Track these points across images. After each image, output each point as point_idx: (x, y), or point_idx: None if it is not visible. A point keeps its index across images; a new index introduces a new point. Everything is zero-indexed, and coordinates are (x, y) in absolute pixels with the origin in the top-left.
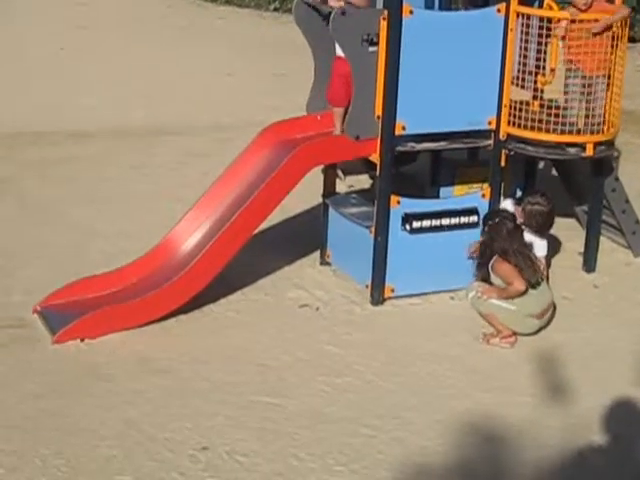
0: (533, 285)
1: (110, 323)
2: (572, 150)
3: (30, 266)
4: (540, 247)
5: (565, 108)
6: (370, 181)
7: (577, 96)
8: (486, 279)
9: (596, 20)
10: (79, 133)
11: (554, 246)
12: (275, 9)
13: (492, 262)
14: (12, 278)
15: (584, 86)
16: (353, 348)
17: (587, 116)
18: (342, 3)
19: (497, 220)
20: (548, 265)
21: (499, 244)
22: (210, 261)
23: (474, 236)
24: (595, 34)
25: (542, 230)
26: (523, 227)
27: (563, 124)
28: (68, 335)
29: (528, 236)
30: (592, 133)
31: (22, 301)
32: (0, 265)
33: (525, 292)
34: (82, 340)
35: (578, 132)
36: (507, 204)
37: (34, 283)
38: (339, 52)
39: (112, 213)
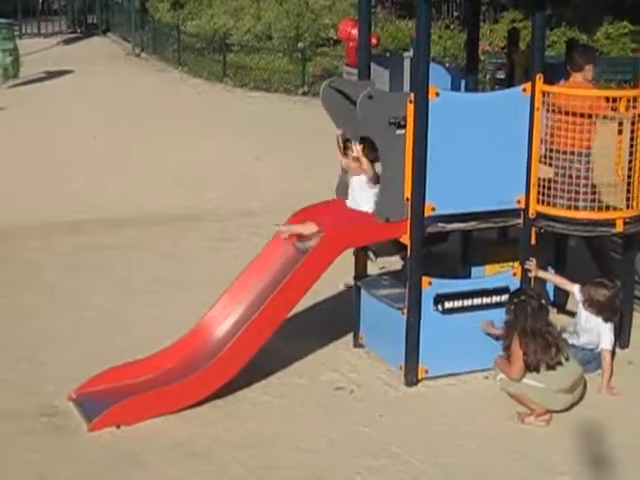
0: (560, 361)
1: (146, 409)
2: (602, 226)
3: (63, 354)
4: (606, 339)
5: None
6: (401, 262)
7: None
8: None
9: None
10: (110, 221)
11: None
12: (304, 93)
13: (513, 336)
14: (45, 367)
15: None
16: (388, 430)
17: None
18: None
19: (523, 298)
20: (612, 356)
21: (520, 323)
22: (244, 346)
23: None
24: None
25: (606, 316)
26: (588, 311)
27: (592, 200)
28: (104, 422)
29: (592, 322)
30: (568, 208)
31: (55, 389)
32: (33, 354)
33: (524, 374)
34: (118, 427)
35: (607, 208)
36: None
37: (66, 371)
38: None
39: (143, 300)
